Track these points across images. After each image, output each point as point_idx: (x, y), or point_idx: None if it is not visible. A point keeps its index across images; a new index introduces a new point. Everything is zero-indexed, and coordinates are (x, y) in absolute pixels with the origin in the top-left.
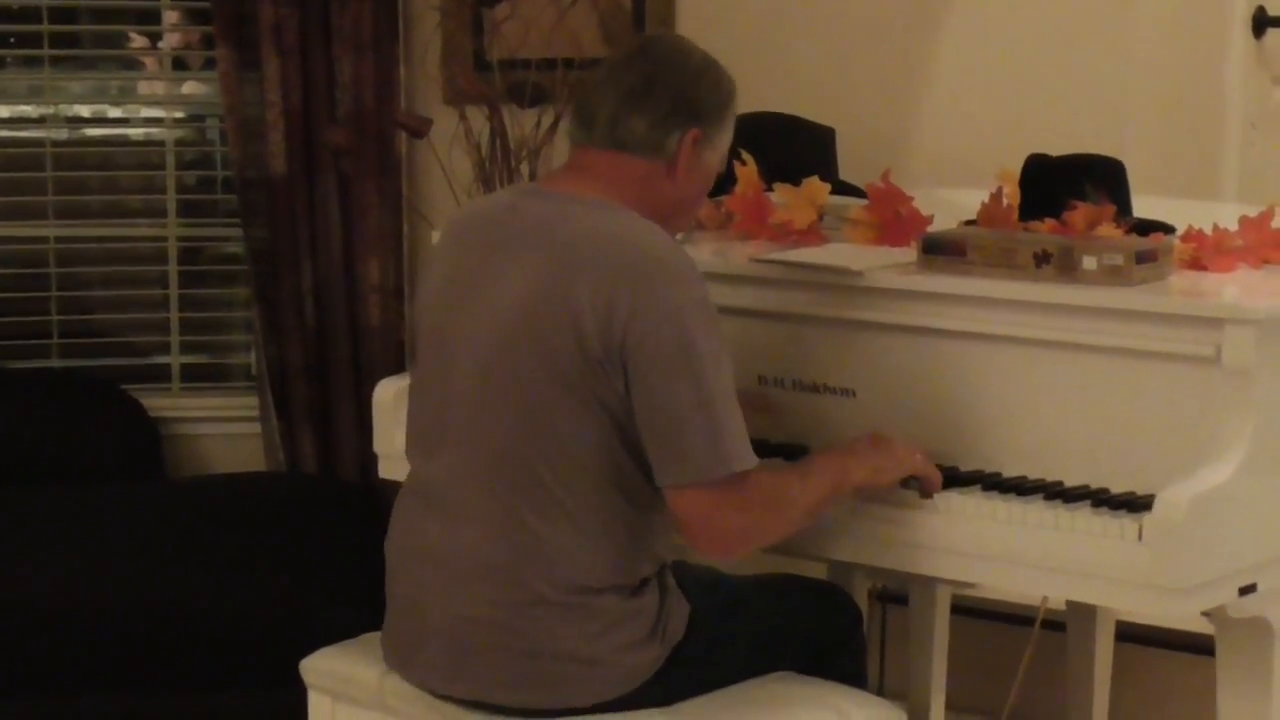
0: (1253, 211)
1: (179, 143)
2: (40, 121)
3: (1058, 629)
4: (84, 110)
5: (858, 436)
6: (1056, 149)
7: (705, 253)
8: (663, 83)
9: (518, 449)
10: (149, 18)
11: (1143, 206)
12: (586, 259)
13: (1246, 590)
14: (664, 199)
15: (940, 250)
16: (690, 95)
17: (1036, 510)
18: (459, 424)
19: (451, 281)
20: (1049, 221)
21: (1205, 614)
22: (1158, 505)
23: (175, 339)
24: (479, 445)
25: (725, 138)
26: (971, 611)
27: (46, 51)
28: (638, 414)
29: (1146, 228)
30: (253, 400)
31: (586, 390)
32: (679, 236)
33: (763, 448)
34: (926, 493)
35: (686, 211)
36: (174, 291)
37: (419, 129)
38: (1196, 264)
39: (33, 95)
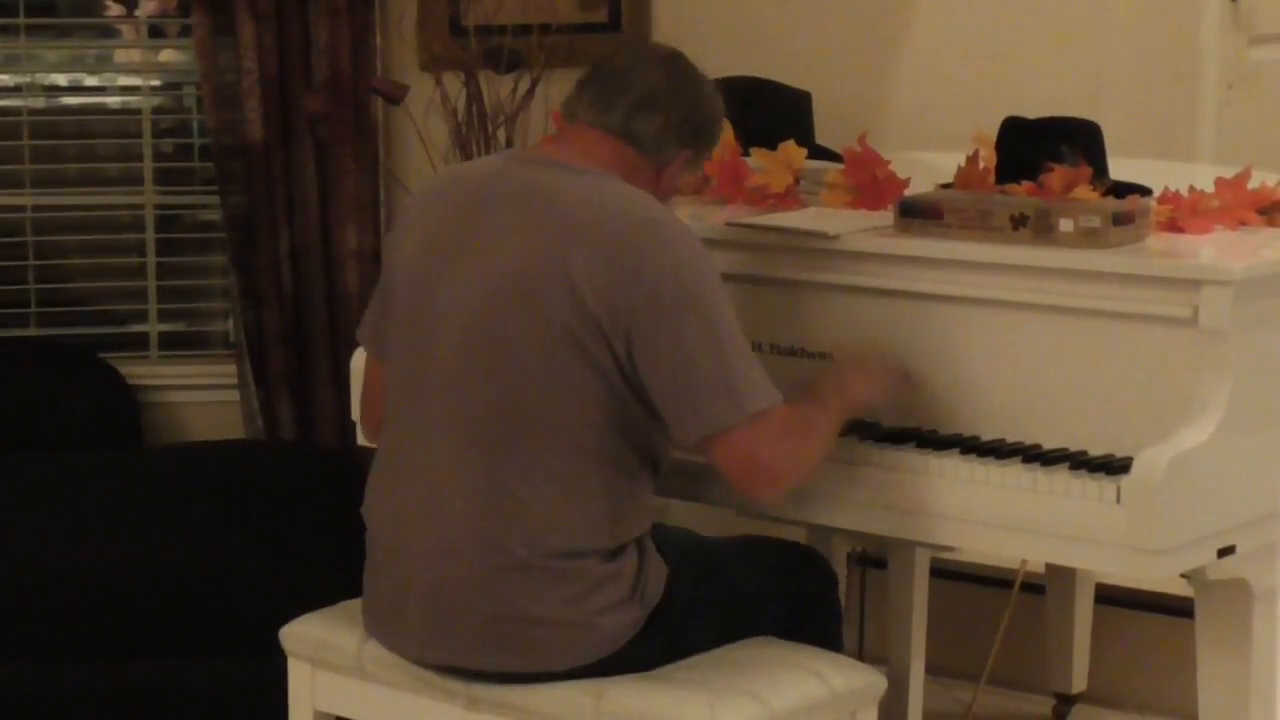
0: (1229, 173)
1: (156, 110)
2: (16, 90)
3: (1037, 592)
4: (60, 79)
5: (835, 363)
6: (1033, 111)
7: (682, 217)
8: (683, 96)
9: (503, 413)
10: None
11: (1119, 169)
12: (582, 225)
13: (1225, 552)
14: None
15: (917, 213)
16: (699, 117)
17: (1015, 473)
18: (439, 389)
19: (433, 248)
20: (1026, 184)
21: (1184, 576)
22: (1136, 467)
23: (153, 307)
24: (462, 409)
25: (703, 162)
26: (951, 575)
27: (22, 20)
28: (648, 375)
29: (1123, 190)
30: (231, 367)
31: (579, 355)
32: None
33: None
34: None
35: None
36: (151, 259)
37: (395, 95)
38: (1173, 226)
39: (9, 64)
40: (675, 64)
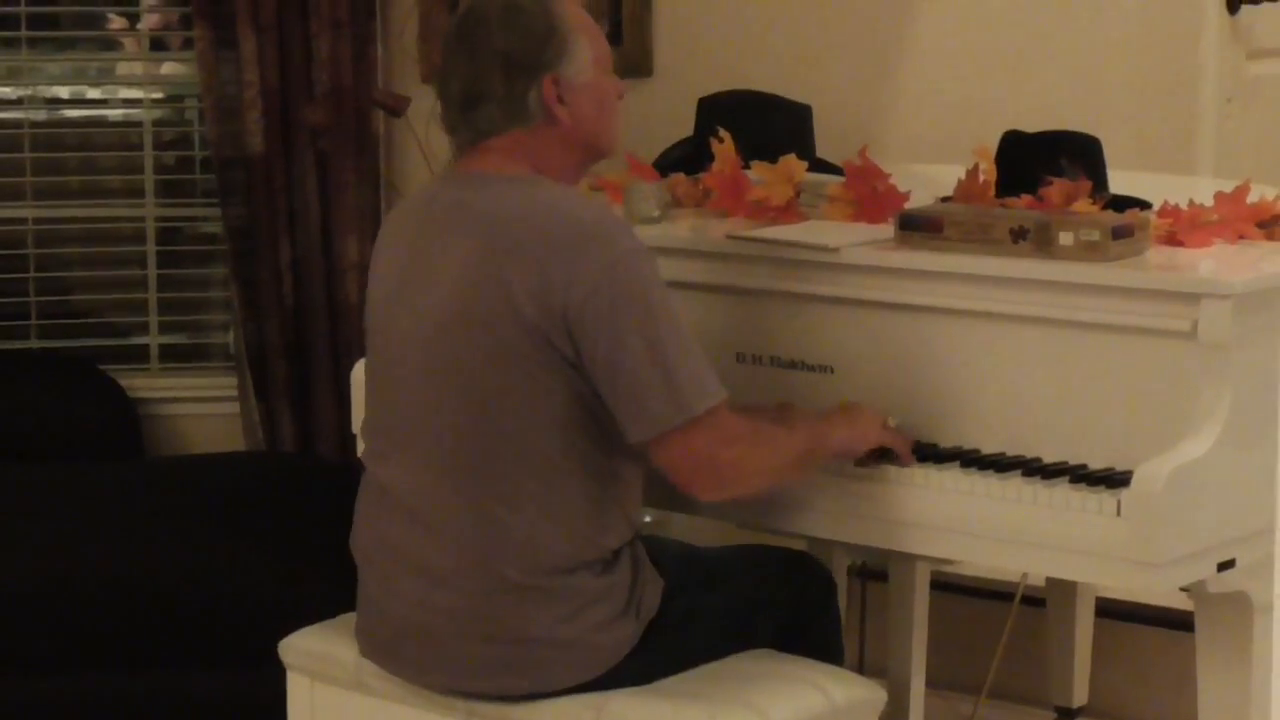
0: (1228, 187)
1: (157, 123)
2: (18, 103)
3: (1038, 605)
4: (62, 91)
5: (830, 406)
6: (1033, 125)
7: (682, 230)
8: (483, 59)
9: (470, 438)
10: None
11: (1119, 182)
12: (513, 238)
13: (1225, 565)
14: (566, 145)
15: (917, 227)
16: (513, 54)
17: (1015, 486)
18: (410, 422)
19: (385, 281)
20: (1025, 197)
21: (1185, 589)
22: (1136, 480)
23: (154, 319)
24: (432, 441)
25: (580, 54)
26: (951, 588)
27: (24, 33)
28: (594, 378)
29: (1122, 204)
30: (231, 380)
31: (533, 368)
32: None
33: None
34: (901, 463)
35: (597, 136)
36: (152, 271)
37: (396, 107)
38: (1172, 239)
39: (11, 76)
40: (460, 37)
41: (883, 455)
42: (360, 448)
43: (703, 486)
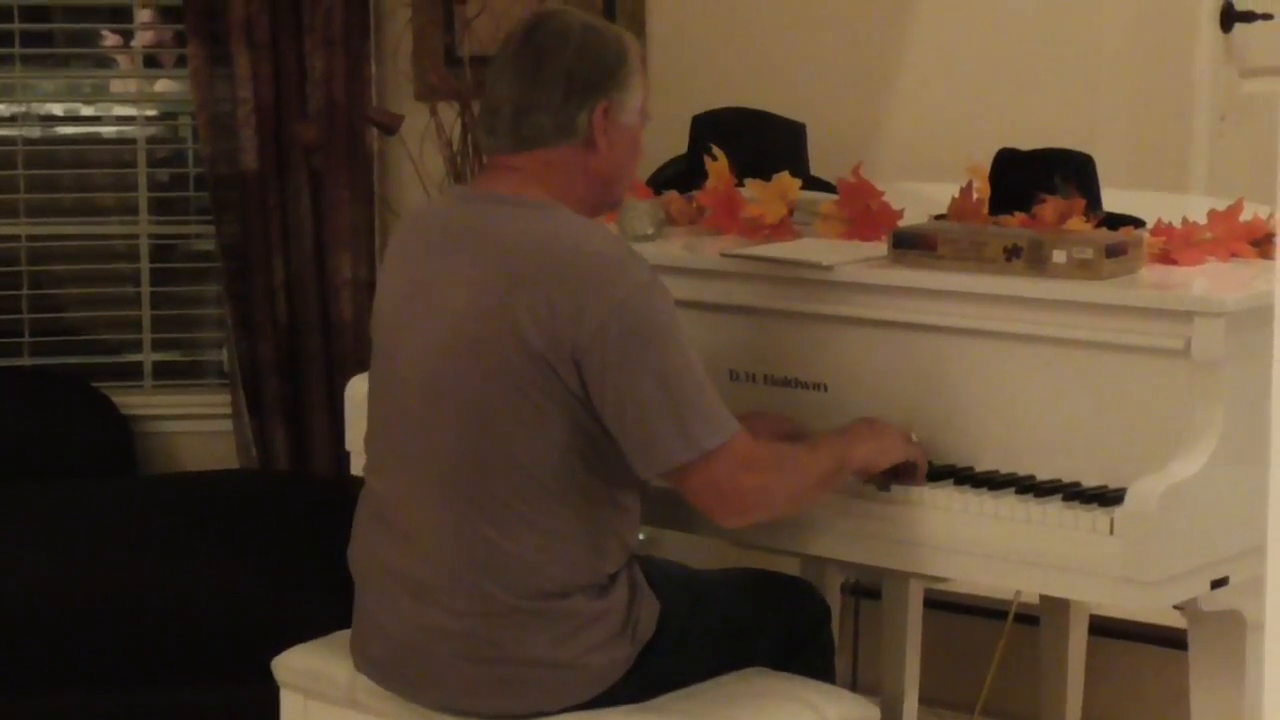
0: (1221, 205)
1: (151, 140)
2: (12, 120)
3: (1031, 623)
4: (56, 108)
5: (852, 421)
6: (1026, 143)
7: (676, 247)
8: (549, 70)
9: (469, 463)
10: (121, 16)
11: (1112, 200)
12: (523, 266)
13: (1219, 583)
14: (593, 177)
15: (911, 244)
16: (580, 71)
17: (1009, 504)
18: (409, 441)
19: (394, 294)
20: (1019, 215)
21: (1178, 607)
22: (1129, 498)
23: (147, 336)
24: (430, 462)
25: (635, 96)
26: (945, 605)
27: (18, 50)
28: (603, 413)
29: (1116, 221)
30: (225, 397)
31: (536, 396)
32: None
33: None
34: (915, 482)
35: (620, 180)
36: (146, 289)
37: (390, 125)
38: (1166, 257)
39: (4, 94)
40: (530, 43)
41: (894, 474)
42: (359, 462)
43: (727, 514)
